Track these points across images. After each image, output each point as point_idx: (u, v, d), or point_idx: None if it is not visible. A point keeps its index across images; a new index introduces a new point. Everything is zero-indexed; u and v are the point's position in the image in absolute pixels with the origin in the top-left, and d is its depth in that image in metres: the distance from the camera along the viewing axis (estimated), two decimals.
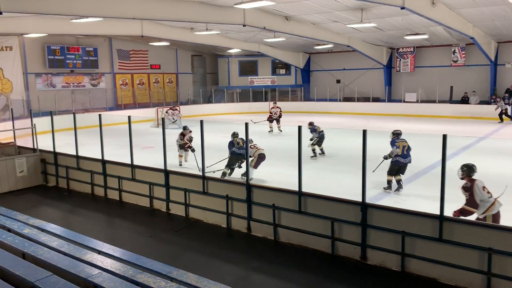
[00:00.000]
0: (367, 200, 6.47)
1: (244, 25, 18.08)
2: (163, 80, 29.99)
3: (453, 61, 25.37)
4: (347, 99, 29.07)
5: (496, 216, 5.81)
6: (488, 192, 5.87)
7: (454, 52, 25.19)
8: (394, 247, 6.08)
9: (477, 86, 24.66)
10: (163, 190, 8.99)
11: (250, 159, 9.16)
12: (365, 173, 6.36)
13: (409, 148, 9.43)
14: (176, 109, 22.23)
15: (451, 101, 24.93)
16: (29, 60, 22.90)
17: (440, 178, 5.76)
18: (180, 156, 12.38)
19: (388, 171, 9.40)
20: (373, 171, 9.44)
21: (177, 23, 20.54)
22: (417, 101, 26.12)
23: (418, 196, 9.07)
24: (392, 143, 9.55)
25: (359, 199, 6.40)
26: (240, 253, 6.95)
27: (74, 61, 24.38)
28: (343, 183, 10.11)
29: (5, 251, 5.11)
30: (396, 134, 9.85)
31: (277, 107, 19.43)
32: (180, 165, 12.18)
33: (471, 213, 5.84)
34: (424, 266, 5.88)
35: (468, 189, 5.85)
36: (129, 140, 9.55)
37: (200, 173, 8.36)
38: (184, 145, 12.14)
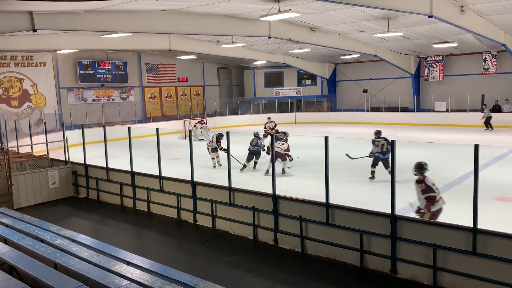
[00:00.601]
0: (397, 212, 6.32)
1: (269, 37, 18.21)
2: (190, 92, 30.43)
3: (484, 69, 24.73)
4: (374, 109, 28.72)
5: (437, 213, 6.62)
6: (437, 189, 6.75)
7: (485, 59, 24.57)
8: (426, 260, 5.91)
9: (510, 94, 23.91)
10: (191, 201, 9.06)
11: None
12: (394, 185, 6.23)
13: (388, 145, 10.81)
14: (204, 123, 22.44)
15: (482, 110, 24.24)
16: (61, 75, 23.72)
17: (473, 189, 5.58)
18: (213, 158, 14.22)
19: (371, 165, 11.30)
20: (352, 158, 11.09)
21: (203, 36, 20.88)
22: (447, 110, 25.54)
23: (450, 208, 8.80)
24: (373, 142, 11.22)
25: (388, 211, 6.27)
26: (267, 265, 6.90)
27: (104, 76, 25.07)
28: (371, 194, 9.95)
29: (38, 261, 5.24)
30: (376, 133, 11.50)
31: (272, 121, 18.42)
32: (214, 166, 13.98)
33: (434, 197, 6.62)
34: (457, 280, 5.69)
35: (421, 181, 6.72)
36: (157, 152, 9.69)
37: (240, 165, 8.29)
38: (218, 148, 13.89)
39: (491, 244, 5.46)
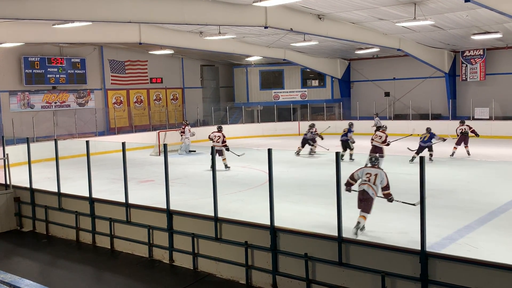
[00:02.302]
0: (428, 248, 6.31)
1: (266, 27, 18.31)
2: (166, 96, 30.50)
3: None
4: (399, 117, 28.89)
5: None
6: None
7: None
8: None
9: None
10: (166, 235, 9.01)
11: None
12: (424, 213, 6.24)
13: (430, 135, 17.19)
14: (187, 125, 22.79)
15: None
16: (1, 75, 23.70)
17: None
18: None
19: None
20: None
21: (182, 26, 20.98)
22: (490, 118, 25.75)
23: (495, 241, 8.83)
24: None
25: (417, 246, 6.27)
26: None
27: (57, 76, 25.10)
28: (395, 225, 9.94)
29: None
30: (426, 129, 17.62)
31: (219, 131, 17.75)
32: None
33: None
34: None
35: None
36: (124, 172, 9.66)
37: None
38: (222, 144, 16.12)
39: None
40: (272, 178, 7.76)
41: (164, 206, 8.99)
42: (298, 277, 7.35)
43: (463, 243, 8.66)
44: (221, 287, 7.95)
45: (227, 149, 17.01)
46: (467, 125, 18.97)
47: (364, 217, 8.83)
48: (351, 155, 18.30)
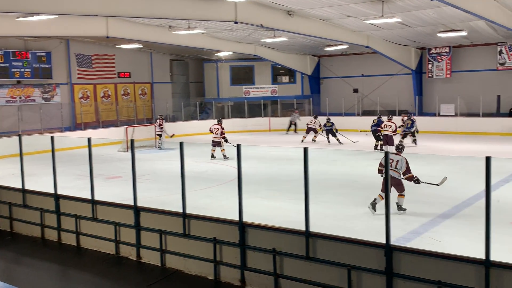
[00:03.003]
0: (394, 242, 6.42)
1: (235, 22, 18.35)
2: (134, 91, 30.20)
3: (500, 63, 25.71)
4: (367, 113, 29.26)
5: None
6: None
7: (500, 52, 25.56)
8: None
9: None
10: (133, 232, 8.92)
11: None
12: (388, 207, 6.35)
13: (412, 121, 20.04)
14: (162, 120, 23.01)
15: (498, 113, 25.11)
16: None
17: (485, 213, 5.76)
18: (213, 150, 18.32)
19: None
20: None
21: (151, 20, 20.82)
22: (455, 115, 26.32)
23: (458, 235, 9.06)
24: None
25: (383, 240, 6.38)
26: None
27: (22, 70, 24.57)
28: (362, 219, 10.10)
29: None
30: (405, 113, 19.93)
31: (219, 124, 19.04)
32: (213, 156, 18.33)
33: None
34: None
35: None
36: (89, 168, 9.54)
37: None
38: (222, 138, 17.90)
39: (506, 279, 5.64)
40: (241, 174, 7.78)
41: (132, 203, 8.92)
42: (266, 271, 7.38)
43: (427, 236, 8.87)
44: (189, 283, 7.93)
45: (226, 141, 18.16)
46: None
47: (403, 196, 10.34)
48: (381, 145, 19.56)
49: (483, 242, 5.78)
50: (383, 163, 10.13)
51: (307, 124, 24.37)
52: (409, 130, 20.51)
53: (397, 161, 10.21)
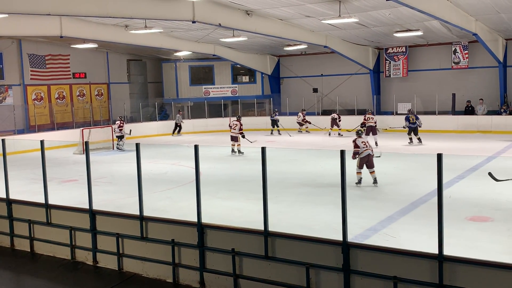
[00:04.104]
0: (352, 239, 6.53)
1: (193, 22, 18.29)
2: (90, 92, 29.69)
3: (454, 62, 26.47)
4: (327, 112, 29.60)
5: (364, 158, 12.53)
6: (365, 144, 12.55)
7: (455, 51, 26.31)
8: None
9: (484, 92, 25.77)
10: (89, 236, 8.81)
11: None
12: (345, 204, 6.46)
13: (415, 117, 20.68)
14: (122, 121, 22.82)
15: (453, 111, 25.84)
16: None
17: (437, 208, 5.93)
18: (233, 144, 19.37)
19: (407, 133, 21.00)
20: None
21: (107, 19, 20.48)
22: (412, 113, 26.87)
23: (413, 231, 9.28)
24: (406, 118, 20.96)
25: (341, 237, 6.49)
26: None
27: None
28: (322, 218, 10.23)
29: None
30: (408, 111, 21.60)
31: (238, 120, 20.21)
32: (233, 151, 19.39)
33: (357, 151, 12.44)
34: None
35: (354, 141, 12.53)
36: (43, 171, 9.37)
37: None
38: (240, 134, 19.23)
39: (459, 273, 5.82)
40: (199, 174, 7.78)
41: (87, 206, 8.79)
42: (225, 272, 7.40)
43: (383, 233, 9.05)
44: (148, 287, 7.88)
45: (243, 136, 19.45)
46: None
47: (374, 172, 12.66)
48: (418, 139, 20.84)
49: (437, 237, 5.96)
50: (358, 143, 12.56)
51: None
52: (413, 126, 20.84)
53: (368, 141, 12.93)
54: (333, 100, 29.55)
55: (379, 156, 14.28)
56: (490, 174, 10.39)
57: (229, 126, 20.53)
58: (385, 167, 14.16)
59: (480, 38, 22.02)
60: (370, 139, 16.45)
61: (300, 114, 27.45)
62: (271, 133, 27.21)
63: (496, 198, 11.22)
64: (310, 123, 26.96)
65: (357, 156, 12.56)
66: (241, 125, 19.60)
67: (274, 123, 27.09)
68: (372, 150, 12.71)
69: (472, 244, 8.30)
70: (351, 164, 13.40)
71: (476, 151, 18.59)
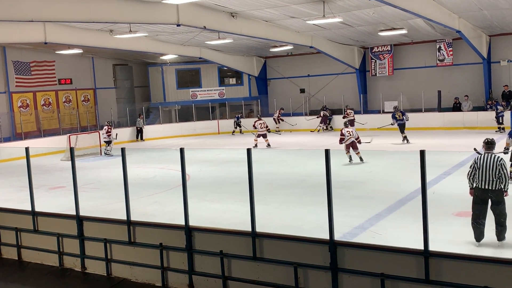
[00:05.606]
0: (340, 238, 6.56)
1: (178, 25, 18.26)
2: (76, 98, 29.56)
3: (439, 60, 26.69)
4: (314, 112, 29.73)
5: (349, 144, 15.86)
6: (348, 133, 15.97)
7: (439, 49, 26.53)
8: None
9: (470, 89, 26.00)
10: (76, 242, 8.76)
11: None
12: (331, 204, 6.50)
13: (402, 114, 21.34)
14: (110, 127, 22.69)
15: (439, 108, 26.05)
16: None
17: (421, 204, 5.99)
18: (266, 140, 21.48)
19: (400, 130, 21.38)
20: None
21: (91, 25, 20.40)
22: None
23: (401, 228, 9.34)
24: (393, 115, 21.18)
25: (327, 236, 6.53)
26: None
27: None
28: (311, 218, 10.26)
29: None
30: (394, 108, 21.87)
31: (260, 119, 22.39)
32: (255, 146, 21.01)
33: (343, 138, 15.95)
34: None
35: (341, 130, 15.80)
36: (28, 178, 9.32)
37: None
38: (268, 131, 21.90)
39: (445, 268, 5.88)
40: (185, 177, 7.78)
41: (74, 213, 8.75)
42: (214, 275, 7.40)
43: (370, 231, 9.11)
44: None
45: (269, 131, 22.27)
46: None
47: (359, 152, 16.03)
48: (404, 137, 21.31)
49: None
50: (344, 132, 16.08)
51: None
52: (402, 122, 21.09)
53: (352, 131, 16.26)
54: (321, 100, 29.68)
55: (370, 142, 17.19)
56: (475, 149, 10.67)
57: (254, 126, 22.12)
58: (372, 166, 14.27)
59: (464, 35, 22.24)
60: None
61: (277, 111, 29.50)
62: (232, 134, 29.29)
63: None
64: (283, 120, 29.14)
65: (343, 142, 16.14)
66: (265, 122, 22.03)
67: (238, 125, 29.30)
68: (356, 138, 16.06)
69: (459, 239, 8.37)
70: (338, 163, 15.00)
71: (462, 147, 18.72)
